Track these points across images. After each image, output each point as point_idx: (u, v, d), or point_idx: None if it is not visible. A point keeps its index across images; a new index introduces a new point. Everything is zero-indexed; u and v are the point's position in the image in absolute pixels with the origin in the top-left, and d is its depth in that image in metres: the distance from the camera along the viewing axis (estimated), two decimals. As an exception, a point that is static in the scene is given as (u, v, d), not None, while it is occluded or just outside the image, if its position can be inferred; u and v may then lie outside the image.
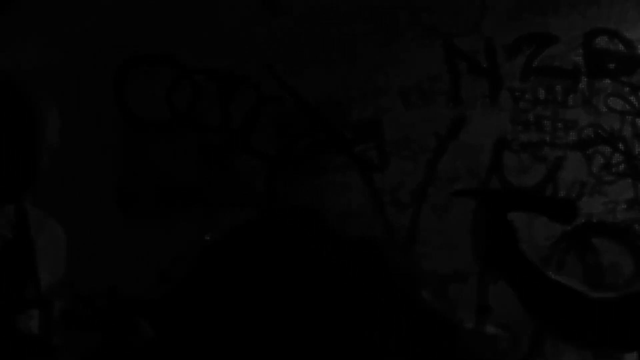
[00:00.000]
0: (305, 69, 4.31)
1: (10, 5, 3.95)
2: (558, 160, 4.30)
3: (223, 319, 2.71)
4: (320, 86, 4.30)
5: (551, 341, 4.17)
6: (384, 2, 4.25)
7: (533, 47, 4.31)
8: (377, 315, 3.00)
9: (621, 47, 4.31)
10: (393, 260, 3.31)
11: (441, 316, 3.34)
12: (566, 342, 2.10)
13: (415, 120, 4.31)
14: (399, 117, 4.31)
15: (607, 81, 4.31)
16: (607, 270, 4.27)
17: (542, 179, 4.31)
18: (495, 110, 4.32)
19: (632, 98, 4.30)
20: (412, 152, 4.31)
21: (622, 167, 4.30)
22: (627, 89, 4.30)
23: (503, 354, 4.21)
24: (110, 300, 2.12)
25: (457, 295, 4.22)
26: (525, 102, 4.32)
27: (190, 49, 4.10)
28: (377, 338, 3.00)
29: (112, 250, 3.88)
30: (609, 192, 4.29)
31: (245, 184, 4.17)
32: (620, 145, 4.30)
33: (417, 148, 4.32)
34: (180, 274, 3.13)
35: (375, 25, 4.35)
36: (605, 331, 1.91)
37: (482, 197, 2.12)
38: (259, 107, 4.24)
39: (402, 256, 3.62)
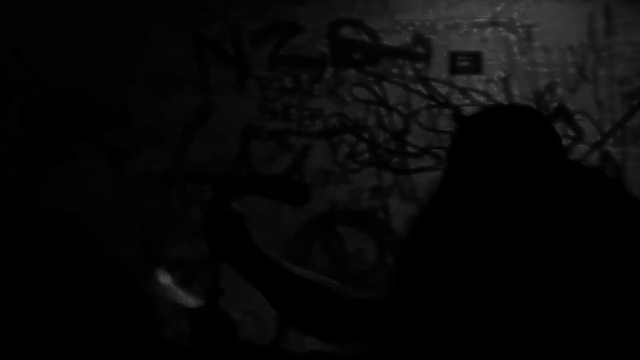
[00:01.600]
0: (53, 54, 4.30)
1: None
2: (304, 148, 4.36)
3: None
4: (69, 71, 4.29)
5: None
6: (127, -10, 4.25)
7: (280, 36, 4.35)
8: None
9: (365, 37, 4.37)
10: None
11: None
12: (308, 335, 1.97)
13: (163, 108, 4.33)
14: (148, 104, 4.32)
15: (352, 71, 4.37)
16: (352, 257, 4.34)
17: (288, 167, 4.36)
18: (243, 99, 4.35)
19: (376, 88, 4.36)
20: (160, 139, 4.33)
21: (366, 155, 4.37)
22: (372, 78, 4.36)
23: (249, 339, 4.26)
24: None
25: (202, 283, 4.26)
26: (273, 90, 4.36)
27: None
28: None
29: None
30: (354, 180, 4.36)
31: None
32: (365, 134, 4.36)
33: (166, 135, 4.34)
34: None
35: (124, 11, 4.34)
36: (352, 330, 1.88)
37: (209, 183, 1.92)
38: (8, 92, 4.21)
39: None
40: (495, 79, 4.37)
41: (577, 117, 4.35)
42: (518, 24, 4.37)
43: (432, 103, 4.37)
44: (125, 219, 4.29)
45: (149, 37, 4.32)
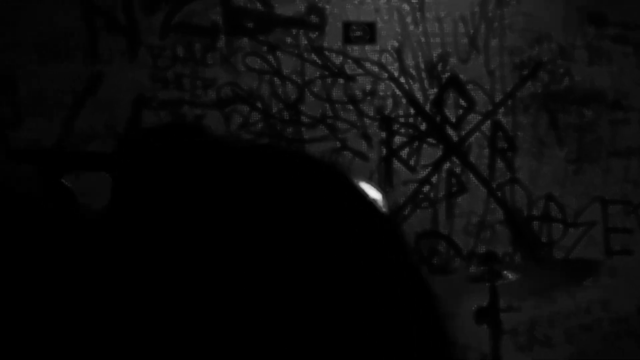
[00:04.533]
0: None
1: None
2: (197, 118, 4.29)
3: None
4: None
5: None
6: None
7: (172, 4, 4.27)
8: None
9: (259, 5, 4.32)
10: None
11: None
12: None
13: (51, 77, 4.21)
14: (34, 73, 4.20)
15: (245, 40, 4.31)
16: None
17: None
18: (134, 68, 4.26)
19: (269, 57, 4.32)
20: (47, 108, 4.21)
21: (259, 125, 4.33)
22: (265, 48, 4.32)
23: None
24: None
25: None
26: (165, 59, 4.28)
27: None
28: None
29: None
30: (247, 151, 4.31)
31: None
32: (258, 104, 4.32)
33: (53, 105, 4.22)
34: None
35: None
36: None
37: (34, 160, 1.84)
38: None
39: None
40: (389, 48, 4.37)
41: (469, 87, 4.39)
42: (411, -6, 4.38)
43: (326, 73, 4.35)
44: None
45: (34, 4, 4.19)
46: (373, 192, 3.64)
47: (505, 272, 3.32)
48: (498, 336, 3.17)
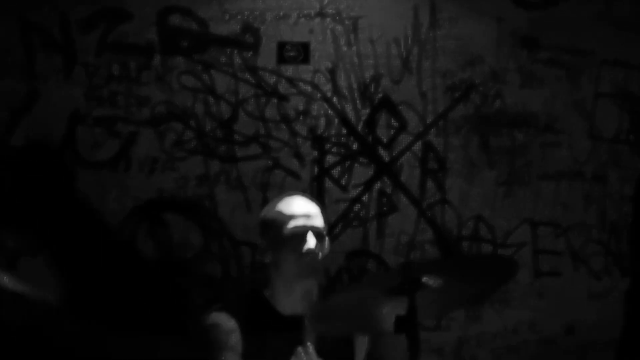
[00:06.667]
0: None
1: None
2: (131, 135, 4.37)
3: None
4: None
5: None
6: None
7: (108, 23, 4.34)
8: None
9: (194, 25, 4.38)
10: None
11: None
12: None
13: (-12, 93, 4.30)
14: (-29, 89, 4.28)
15: (181, 59, 4.38)
16: (177, 245, 4.38)
17: (115, 154, 4.36)
18: (70, 85, 4.34)
19: (204, 76, 4.38)
20: (-16, 124, 4.30)
21: (193, 143, 4.39)
22: (200, 67, 4.38)
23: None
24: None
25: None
26: (100, 77, 4.35)
27: None
28: None
29: None
30: (180, 168, 4.38)
31: None
32: (192, 123, 4.39)
33: (-10, 121, 4.31)
34: None
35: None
36: None
37: None
38: None
39: None
40: (322, 69, 4.42)
41: (401, 107, 4.44)
42: (345, 15, 4.43)
43: (260, 92, 4.41)
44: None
45: (-28, 21, 4.28)
46: (310, 205, 3.70)
47: (424, 279, 3.31)
48: (416, 348, 3.18)
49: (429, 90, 4.44)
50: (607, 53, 4.47)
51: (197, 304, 3.62)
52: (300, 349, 3.37)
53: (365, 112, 4.44)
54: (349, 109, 4.43)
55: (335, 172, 4.43)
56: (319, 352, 3.50)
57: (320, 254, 3.57)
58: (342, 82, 4.43)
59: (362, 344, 3.97)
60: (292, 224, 3.52)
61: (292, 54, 4.41)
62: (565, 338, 4.40)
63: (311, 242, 3.58)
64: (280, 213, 3.58)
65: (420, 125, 4.45)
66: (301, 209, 3.63)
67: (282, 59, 4.41)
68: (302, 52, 4.41)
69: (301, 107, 4.42)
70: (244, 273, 4.38)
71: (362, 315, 3.71)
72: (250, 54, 4.40)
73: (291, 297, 3.64)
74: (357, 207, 4.42)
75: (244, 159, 4.40)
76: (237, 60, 4.40)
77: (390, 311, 3.39)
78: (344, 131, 4.43)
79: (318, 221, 3.64)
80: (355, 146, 4.44)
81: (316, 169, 4.42)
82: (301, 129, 4.42)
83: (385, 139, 4.44)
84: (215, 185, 4.39)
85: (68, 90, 4.34)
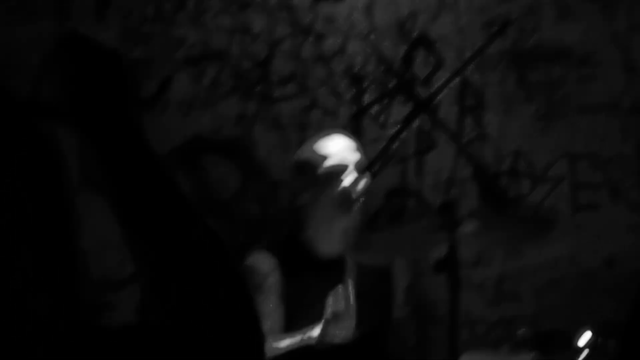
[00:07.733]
0: None
1: None
2: (167, 77, 4.33)
3: None
4: None
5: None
6: None
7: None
8: None
9: (228, -36, 4.34)
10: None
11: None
12: None
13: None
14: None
15: (215, -2, 4.34)
16: (215, 185, 4.35)
17: (152, 95, 4.33)
18: (104, 27, 4.29)
19: (240, 16, 4.35)
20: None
21: (230, 84, 4.36)
22: (235, 6, 4.34)
23: None
24: None
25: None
26: (134, 19, 4.32)
27: None
28: None
29: None
30: (218, 109, 4.35)
31: None
32: (228, 63, 4.35)
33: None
34: None
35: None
36: None
37: None
38: None
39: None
40: (359, 6, 4.39)
41: (438, 44, 4.42)
42: (380, -49, 4.39)
43: (296, 31, 4.37)
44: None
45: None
46: (347, 143, 3.67)
47: (465, 221, 3.33)
48: (456, 287, 3.21)
49: (466, 27, 4.41)
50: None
51: (235, 245, 3.61)
52: (339, 287, 3.37)
53: (402, 49, 4.41)
54: (385, 46, 4.40)
55: (373, 110, 4.41)
56: (357, 291, 3.50)
57: (357, 191, 3.57)
58: (378, 19, 4.39)
59: (401, 281, 3.97)
60: (327, 162, 3.52)
61: (328, -9, 4.37)
62: (605, 271, 4.42)
63: (348, 179, 3.57)
64: (315, 153, 3.57)
65: (457, 62, 4.42)
66: (337, 148, 3.62)
67: (317, -4, 4.37)
68: (338, -10, 4.36)
69: (338, 46, 4.38)
70: (282, 214, 4.36)
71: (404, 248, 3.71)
72: (285, -9, 4.36)
73: (329, 237, 3.64)
74: (395, 145, 4.40)
75: (281, 98, 4.37)
76: (273, -2, 4.36)
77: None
78: (382, 69, 4.40)
79: (355, 158, 3.63)
80: (392, 84, 4.41)
81: (354, 108, 4.40)
82: (338, 67, 4.39)
83: (422, 77, 4.42)
84: (252, 126, 4.36)
85: (102, 32, 4.28)
